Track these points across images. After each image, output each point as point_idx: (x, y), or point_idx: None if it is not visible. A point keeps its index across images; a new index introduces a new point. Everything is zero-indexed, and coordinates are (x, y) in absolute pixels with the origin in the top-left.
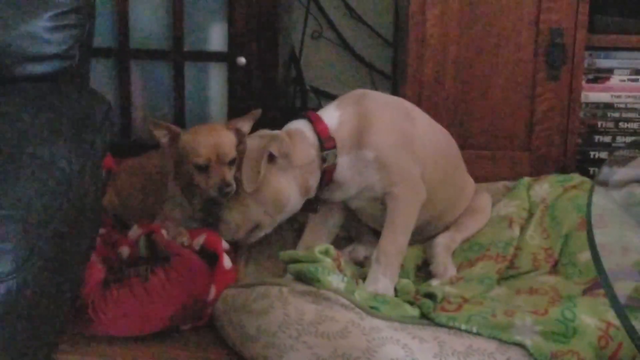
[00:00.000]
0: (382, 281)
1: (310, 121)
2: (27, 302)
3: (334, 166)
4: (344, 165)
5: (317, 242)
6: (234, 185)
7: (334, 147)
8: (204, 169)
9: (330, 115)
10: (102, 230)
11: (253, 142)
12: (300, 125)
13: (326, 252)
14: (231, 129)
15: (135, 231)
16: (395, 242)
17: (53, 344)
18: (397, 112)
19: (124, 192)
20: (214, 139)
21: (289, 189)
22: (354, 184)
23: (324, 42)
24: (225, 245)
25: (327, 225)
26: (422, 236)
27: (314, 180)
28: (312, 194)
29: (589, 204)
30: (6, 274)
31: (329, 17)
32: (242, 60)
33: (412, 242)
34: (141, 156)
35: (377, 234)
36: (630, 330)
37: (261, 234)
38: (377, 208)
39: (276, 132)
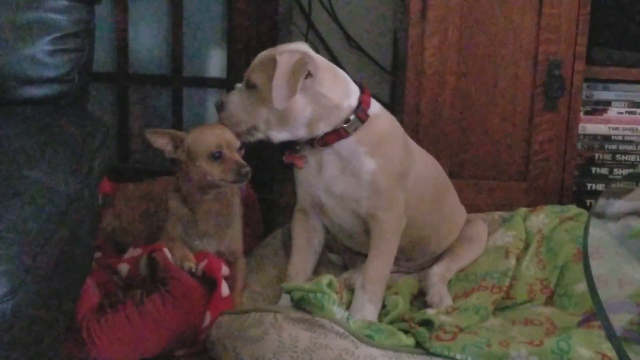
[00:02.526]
0: (368, 308)
1: (361, 89)
2: (22, 325)
3: (345, 133)
4: (344, 146)
5: (306, 263)
6: (249, 167)
7: (363, 122)
8: (217, 157)
9: (375, 104)
10: (97, 254)
11: (286, 57)
12: (346, 77)
13: (329, 285)
14: None
15: (132, 252)
16: (380, 269)
17: None
18: (402, 141)
19: (124, 217)
20: (219, 130)
21: (302, 110)
22: (339, 176)
23: None
24: (225, 272)
25: (313, 246)
26: (408, 262)
27: (323, 126)
28: (311, 135)
29: (585, 236)
30: (1, 296)
31: (328, 45)
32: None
33: (403, 267)
34: (142, 182)
35: None
36: None
37: (254, 137)
38: (356, 226)
39: (307, 48)
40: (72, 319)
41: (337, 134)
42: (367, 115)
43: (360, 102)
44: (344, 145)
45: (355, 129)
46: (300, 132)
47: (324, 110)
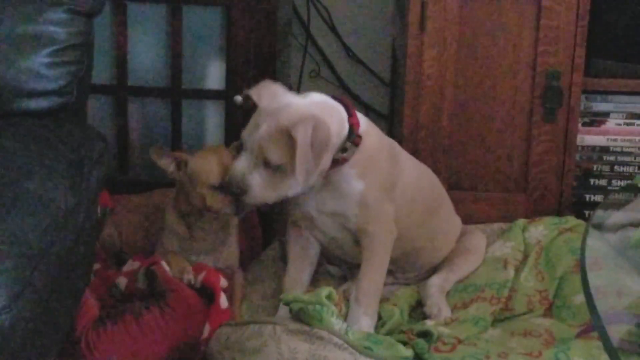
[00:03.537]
0: (364, 319)
1: (347, 110)
2: (20, 337)
3: (344, 160)
4: (336, 170)
5: (302, 274)
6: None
7: (358, 145)
8: (217, 189)
9: (360, 117)
10: (96, 266)
11: (302, 131)
12: (335, 104)
13: (329, 297)
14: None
15: (130, 265)
16: (373, 281)
17: None
18: (389, 154)
19: (125, 228)
20: (224, 160)
21: (323, 166)
22: (329, 198)
23: (321, 81)
24: (223, 283)
25: (309, 257)
26: (404, 274)
27: (327, 162)
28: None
29: (582, 247)
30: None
31: (327, 57)
32: (239, 98)
33: (400, 278)
34: (143, 194)
35: None
36: None
37: (280, 198)
38: (347, 238)
39: (307, 102)
40: (71, 331)
41: (336, 162)
42: (360, 138)
43: (351, 126)
44: (336, 169)
45: (352, 154)
46: (315, 179)
47: (332, 151)
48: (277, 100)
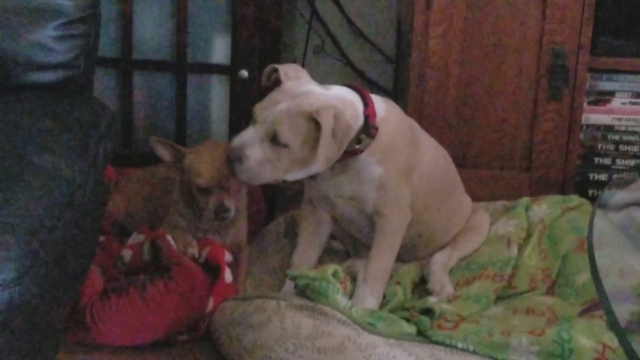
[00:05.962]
0: (369, 300)
1: (363, 99)
2: (29, 309)
3: (359, 151)
4: (354, 158)
5: (311, 252)
6: (232, 211)
7: (373, 137)
8: (205, 190)
9: (378, 104)
10: (101, 238)
11: (326, 117)
12: (352, 97)
13: (334, 274)
14: None
15: (136, 238)
16: (382, 263)
17: (52, 352)
18: (409, 138)
19: (130, 200)
20: (218, 162)
21: (324, 154)
22: (348, 183)
23: (325, 57)
24: (228, 258)
25: (320, 237)
26: (414, 255)
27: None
28: (326, 167)
29: (590, 227)
30: (9, 282)
31: (331, 33)
32: (244, 73)
33: (409, 259)
34: (149, 167)
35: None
36: (630, 353)
37: (276, 181)
38: (363, 221)
39: (327, 93)
40: (76, 304)
41: (351, 152)
42: (376, 129)
43: (366, 117)
44: (355, 157)
45: (367, 145)
46: (316, 169)
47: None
48: (300, 84)
